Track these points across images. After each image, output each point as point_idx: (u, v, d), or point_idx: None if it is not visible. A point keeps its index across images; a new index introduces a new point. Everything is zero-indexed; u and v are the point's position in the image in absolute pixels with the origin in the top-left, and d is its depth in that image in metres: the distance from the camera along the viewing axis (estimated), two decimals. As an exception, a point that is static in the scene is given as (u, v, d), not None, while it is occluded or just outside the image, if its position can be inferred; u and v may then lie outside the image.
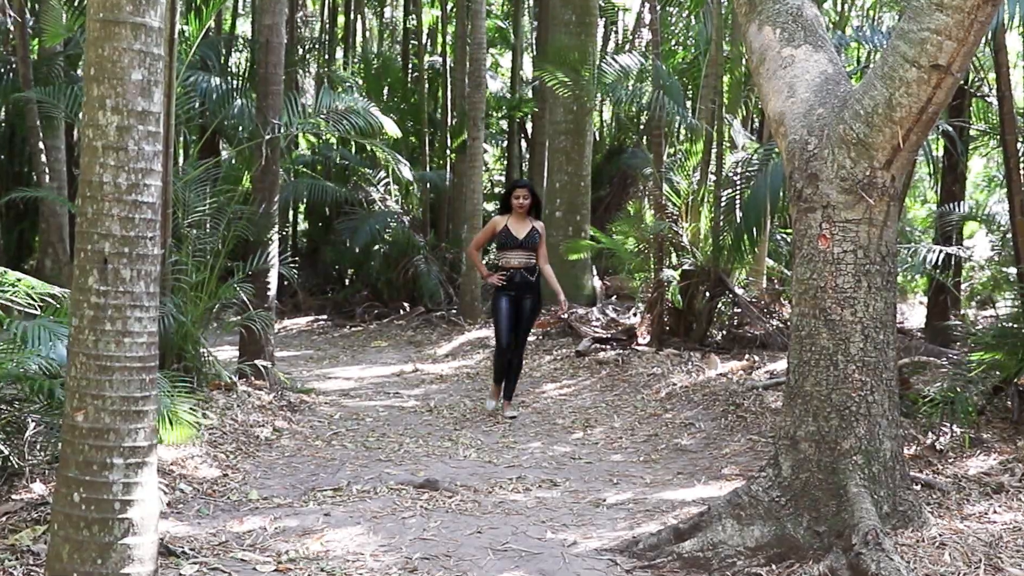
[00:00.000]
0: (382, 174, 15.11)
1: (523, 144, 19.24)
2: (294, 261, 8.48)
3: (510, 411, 7.18)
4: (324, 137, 15.26)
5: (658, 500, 4.96)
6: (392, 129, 9.94)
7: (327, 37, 18.47)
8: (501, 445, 6.36)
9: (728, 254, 9.25)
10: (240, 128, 12.95)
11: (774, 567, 3.80)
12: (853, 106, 3.95)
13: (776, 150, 8.22)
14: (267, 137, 7.62)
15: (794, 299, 4.22)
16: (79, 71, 11.29)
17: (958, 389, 5.48)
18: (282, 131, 7.75)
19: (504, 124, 18.30)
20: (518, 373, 7.22)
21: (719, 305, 9.83)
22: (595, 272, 13.52)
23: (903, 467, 4.05)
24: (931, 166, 10.14)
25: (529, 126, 18.02)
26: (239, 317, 7.66)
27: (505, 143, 18.98)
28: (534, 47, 18.64)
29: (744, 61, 10.04)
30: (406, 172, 12.95)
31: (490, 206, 17.35)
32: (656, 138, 10.08)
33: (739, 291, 9.81)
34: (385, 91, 17.09)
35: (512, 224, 6.93)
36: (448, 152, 16.07)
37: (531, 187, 7.05)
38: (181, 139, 17.12)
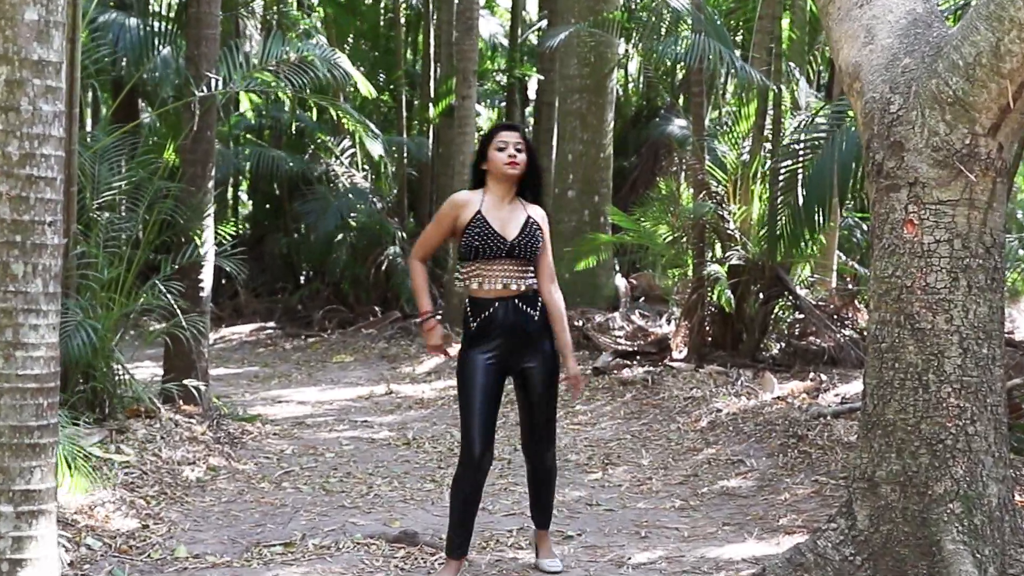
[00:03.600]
0: (347, 142, 15.12)
1: (527, 105, 19.22)
2: (236, 253, 8.44)
3: (548, 560, 4.81)
4: (273, 95, 15.26)
5: (698, 558, 4.94)
6: (364, 86, 9.92)
7: (277, -32, 18.48)
8: (498, 488, 6.34)
9: (787, 245, 9.23)
10: (165, 84, 12.92)
11: (847, 645, 3.78)
12: (949, 55, 3.93)
13: (850, 111, 8.20)
14: (200, 95, 7.60)
15: (872, 302, 4.19)
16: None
17: (1082, 417, 5.47)
18: (219, 87, 7.74)
19: (502, 79, 18.30)
20: (548, 485, 4.82)
21: (776, 310, 9.81)
22: (617, 268, 13.51)
23: (1014, 518, 4.03)
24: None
25: (534, 82, 18.01)
26: (164, 324, 7.63)
27: (503, 103, 18.97)
28: (541, -19, 18.64)
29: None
30: (376, 148, 12.94)
31: (484, 183, 17.33)
32: (696, 97, 10.06)
33: (802, 292, 9.78)
34: (351, 38, 17.10)
35: (491, 208, 4.59)
36: (431, 115, 16.08)
37: (524, 133, 4.76)
38: (89, 97, 17.12)
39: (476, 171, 4.68)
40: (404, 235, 14.70)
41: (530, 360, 4.57)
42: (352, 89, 12.19)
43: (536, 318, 4.56)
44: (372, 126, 11.73)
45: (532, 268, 4.62)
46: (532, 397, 4.62)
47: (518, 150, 4.56)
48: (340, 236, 14.87)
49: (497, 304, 4.50)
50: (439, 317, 4.35)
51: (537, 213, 4.66)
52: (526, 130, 4.51)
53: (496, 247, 4.51)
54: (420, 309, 4.66)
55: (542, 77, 16.03)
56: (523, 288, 4.55)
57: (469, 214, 4.55)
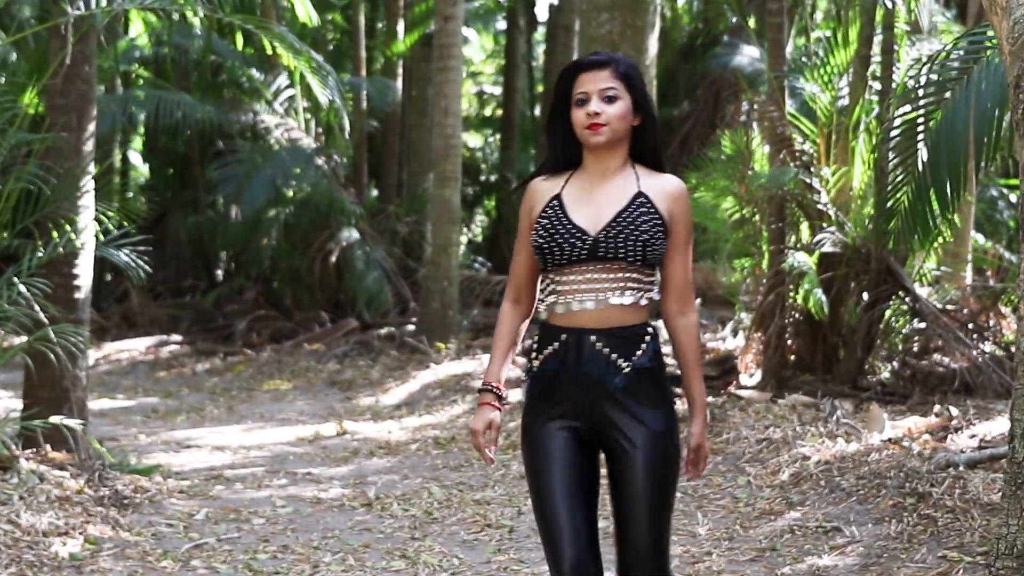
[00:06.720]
0: (283, 80, 15.11)
1: (535, 28, 19.21)
2: (127, 239, 8.41)
3: None
4: (178, 15, 15.27)
5: (778, 667, 4.94)
6: (302, 6, 9.92)
7: None
8: (496, 567, 6.35)
9: (904, 225, 9.22)
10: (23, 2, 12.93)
11: None
12: None
13: (991, 38, 8.20)
14: (75, 13, 7.59)
15: (1023, 306, 4.18)
16: None
17: None
18: (100, 4, 7.73)
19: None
20: None
21: (887, 317, 9.80)
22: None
23: None
24: None
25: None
26: (24, 339, 7.63)
27: (503, 25, 18.98)
28: None
29: None
30: (327, 94, 12.91)
31: (474, 140, 17.29)
32: (774, 18, 10.05)
33: (922, 291, 9.77)
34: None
35: (577, 187, 3.97)
36: (401, 45, 16.09)
37: (622, 63, 3.94)
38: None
39: (559, 140, 3.98)
40: (362, 212, 14.69)
41: (621, 433, 3.84)
42: (289, 9, 12.18)
43: (627, 370, 3.83)
44: (319, 58, 11.74)
45: (644, 278, 3.93)
46: (624, 495, 3.85)
47: (607, 99, 3.85)
48: (273, 214, 14.87)
49: (565, 337, 3.84)
50: (504, 397, 3.96)
51: (658, 186, 3.94)
52: (615, 63, 3.82)
53: (571, 246, 3.84)
54: (485, 375, 4.02)
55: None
56: (619, 308, 3.85)
57: (543, 201, 3.94)
